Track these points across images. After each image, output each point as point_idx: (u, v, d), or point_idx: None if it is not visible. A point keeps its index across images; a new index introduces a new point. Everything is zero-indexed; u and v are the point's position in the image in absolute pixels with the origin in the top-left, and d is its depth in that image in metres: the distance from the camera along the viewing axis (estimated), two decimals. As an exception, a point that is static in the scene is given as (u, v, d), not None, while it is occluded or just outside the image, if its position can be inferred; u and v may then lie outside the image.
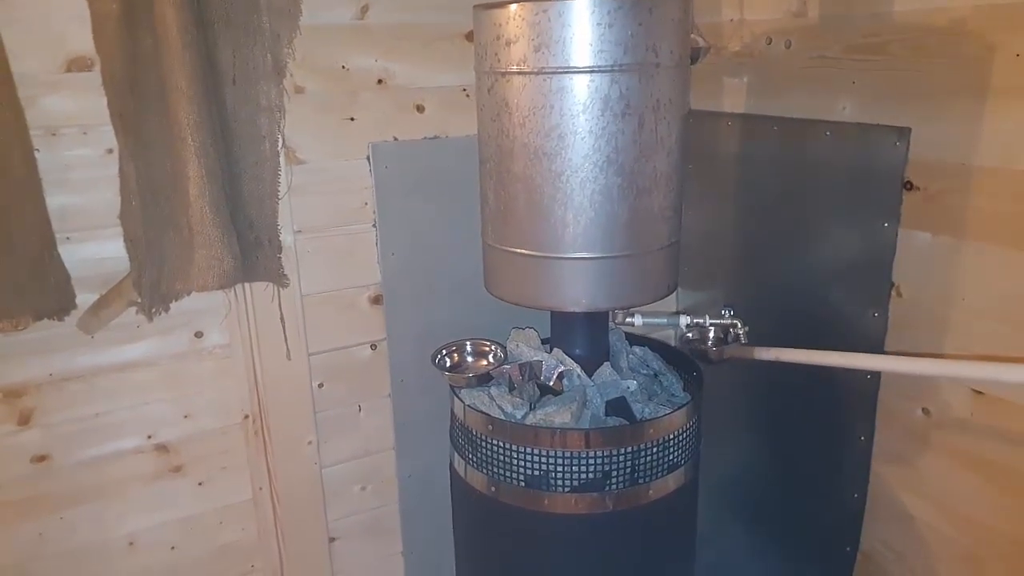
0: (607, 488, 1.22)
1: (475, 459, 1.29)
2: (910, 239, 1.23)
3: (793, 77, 1.39)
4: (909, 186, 1.22)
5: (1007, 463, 1.16)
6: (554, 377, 1.32)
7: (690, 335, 1.37)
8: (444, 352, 1.41)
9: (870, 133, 1.25)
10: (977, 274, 1.16)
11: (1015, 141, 1.08)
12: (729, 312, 1.37)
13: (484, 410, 1.28)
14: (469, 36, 1.46)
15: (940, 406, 1.24)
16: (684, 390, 1.40)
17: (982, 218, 1.14)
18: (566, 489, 1.22)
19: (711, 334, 1.34)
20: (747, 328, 1.35)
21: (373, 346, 1.55)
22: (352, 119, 1.42)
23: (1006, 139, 1.09)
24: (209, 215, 1.21)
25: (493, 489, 1.27)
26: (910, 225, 1.23)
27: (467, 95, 1.49)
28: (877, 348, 1.29)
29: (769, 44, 1.43)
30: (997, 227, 1.12)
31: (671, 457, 1.26)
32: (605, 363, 1.35)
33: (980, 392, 1.17)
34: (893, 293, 1.27)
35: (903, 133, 1.20)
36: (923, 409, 1.27)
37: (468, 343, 1.44)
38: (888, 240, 1.25)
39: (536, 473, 1.22)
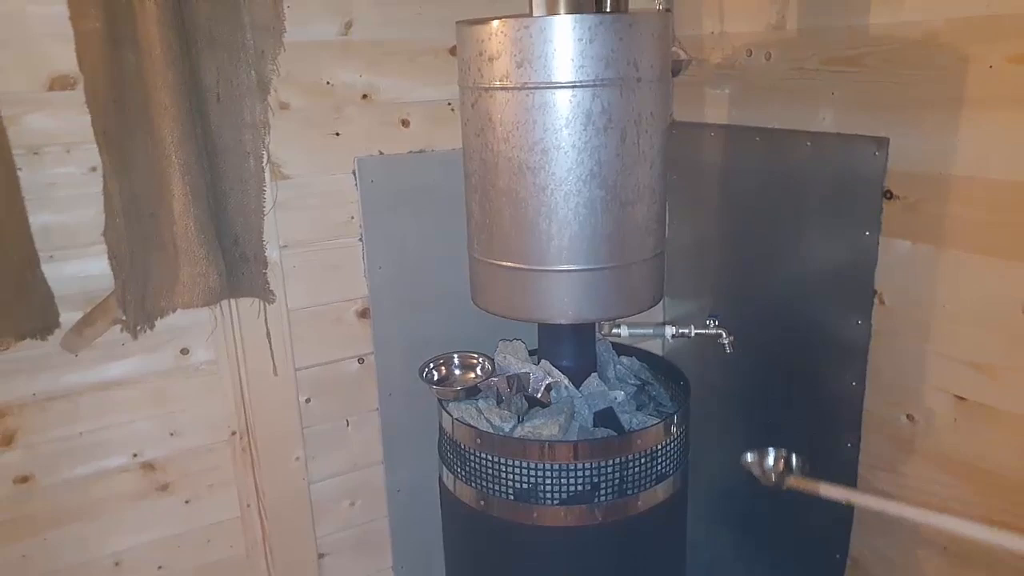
0: (596, 500, 1.22)
1: (464, 473, 1.29)
2: (891, 247, 1.25)
3: (774, 88, 1.41)
4: (889, 195, 1.24)
5: (990, 468, 1.17)
6: (542, 389, 1.32)
7: (749, 458, 1.26)
8: (431, 365, 1.41)
9: (850, 143, 1.27)
10: (956, 281, 1.17)
11: (989, 150, 1.10)
12: (714, 321, 1.38)
13: (472, 423, 1.28)
14: (453, 51, 1.47)
15: (924, 413, 1.25)
16: (672, 400, 1.40)
17: (959, 226, 1.15)
18: (555, 502, 1.22)
19: (770, 459, 1.24)
20: (732, 338, 1.36)
21: (360, 360, 1.55)
22: (337, 134, 1.42)
23: (981, 148, 1.11)
24: (194, 232, 1.21)
25: (482, 503, 1.27)
26: (891, 233, 1.25)
27: (452, 109, 1.50)
28: (861, 354, 1.30)
29: (750, 56, 1.45)
30: (974, 235, 1.14)
31: (660, 467, 1.26)
32: (592, 374, 1.35)
33: (963, 398, 1.19)
34: (876, 300, 1.29)
35: (882, 143, 1.21)
36: (907, 416, 1.28)
37: (455, 356, 1.44)
38: (870, 248, 1.26)
39: (525, 486, 1.22)
